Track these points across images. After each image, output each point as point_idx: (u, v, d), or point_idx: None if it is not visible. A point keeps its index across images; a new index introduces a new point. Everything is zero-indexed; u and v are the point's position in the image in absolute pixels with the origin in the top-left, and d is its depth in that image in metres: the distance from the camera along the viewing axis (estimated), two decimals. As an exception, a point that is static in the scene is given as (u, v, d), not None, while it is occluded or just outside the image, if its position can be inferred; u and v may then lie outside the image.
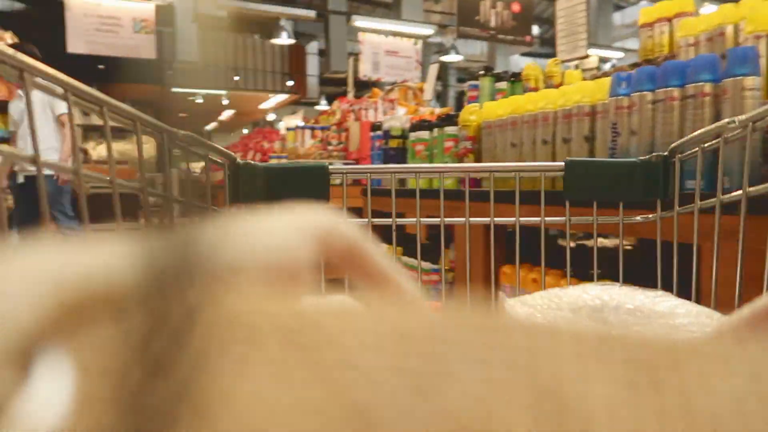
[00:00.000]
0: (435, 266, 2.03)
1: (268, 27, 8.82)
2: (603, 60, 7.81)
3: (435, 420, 0.11)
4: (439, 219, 0.72)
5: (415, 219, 0.72)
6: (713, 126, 0.55)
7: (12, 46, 3.74)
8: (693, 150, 0.61)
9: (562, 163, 0.68)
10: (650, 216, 0.68)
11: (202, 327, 0.12)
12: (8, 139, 4.45)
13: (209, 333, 0.12)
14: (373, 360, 0.12)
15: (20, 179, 3.70)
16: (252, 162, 0.69)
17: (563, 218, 0.70)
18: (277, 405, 0.11)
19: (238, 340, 0.12)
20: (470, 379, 0.12)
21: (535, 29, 9.52)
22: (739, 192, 0.52)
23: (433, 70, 4.82)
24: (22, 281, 0.12)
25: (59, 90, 0.36)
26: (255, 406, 0.11)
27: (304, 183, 0.70)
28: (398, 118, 2.97)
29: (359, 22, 7.88)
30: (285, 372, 0.12)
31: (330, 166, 0.70)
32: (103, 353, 0.12)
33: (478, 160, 1.88)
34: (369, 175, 0.71)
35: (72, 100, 0.37)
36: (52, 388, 0.11)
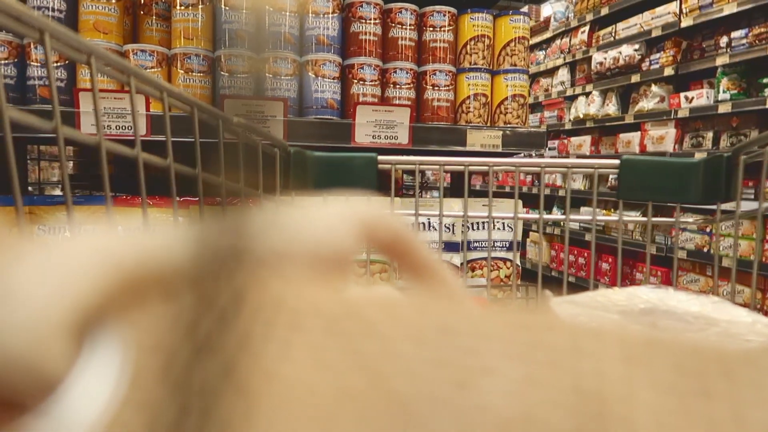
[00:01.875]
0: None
1: None
2: None
3: (474, 414, 0.11)
4: (487, 214, 0.72)
5: (462, 213, 0.72)
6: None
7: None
8: (759, 150, 0.58)
9: (617, 161, 0.66)
10: (710, 218, 0.65)
11: (248, 310, 0.12)
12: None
13: (255, 316, 0.12)
14: (415, 351, 0.12)
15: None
16: (303, 150, 0.70)
17: (615, 218, 0.68)
18: (317, 389, 0.11)
19: (282, 324, 0.12)
20: (512, 376, 0.12)
21: None
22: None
23: None
24: (82, 258, 0.12)
25: (123, 77, 0.38)
26: (296, 388, 0.11)
27: (353, 172, 0.70)
28: None
29: None
30: (326, 358, 0.12)
31: (379, 157, 0.70)
32: (155, 331, 0.12)
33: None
34: (418, 166, 0.71)
35: (135, 86, 0.38)
36: (107, 361, 0.12)
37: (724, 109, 3.13)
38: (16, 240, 0.13)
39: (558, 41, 4.76)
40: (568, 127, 4.56)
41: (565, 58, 4.62)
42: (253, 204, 0.57)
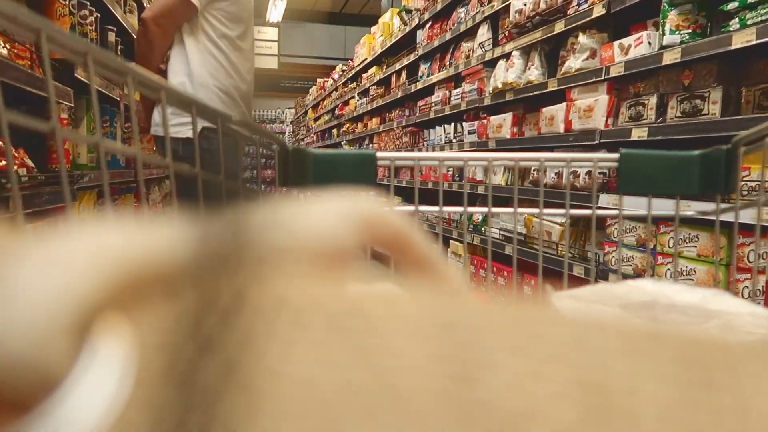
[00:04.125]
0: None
1: None
2: None
3: (476, 409, 0.11)
4: (486, 209, 0.72)
5: (461, 208, 0.72)
6: (782, 118, 0.52)
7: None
8: (759, 142, 0.58)
9: (617, 155, 0.66)
10: (709, 210, 0.65)
11: (250, 308, 0.12)
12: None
13: (257, 314, 0.12)
14: (416, 347, 0.12)
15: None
16: (303, 148, 0.70)
17: (616, 211, 0.68)
18: (320, 386, 0.11)
19: (284, 322, 0.12)
20: (514, 370, 0.12)
21: None
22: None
23: None
24: (85, 257, 0.12)
25: (120, 77, 0.38)
26: (299, 386, 0.11)
27: (353, 170, 0.70)
28: None
29: None
30: (329, 354, 0.12)
31: (378, 154, 0.70)
32: (157, 329, 0.12)
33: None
34: (417, 162, 0.71)
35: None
36: (110, 360, 0.12)
37: (670, 58, 1.85)
38: (16, 240, 0.13)
39: (478, -9, 3.37)
40: (487, 102, 3.23)
41: (484, 12, 3.29)
42: (254, 201, 0.57)
